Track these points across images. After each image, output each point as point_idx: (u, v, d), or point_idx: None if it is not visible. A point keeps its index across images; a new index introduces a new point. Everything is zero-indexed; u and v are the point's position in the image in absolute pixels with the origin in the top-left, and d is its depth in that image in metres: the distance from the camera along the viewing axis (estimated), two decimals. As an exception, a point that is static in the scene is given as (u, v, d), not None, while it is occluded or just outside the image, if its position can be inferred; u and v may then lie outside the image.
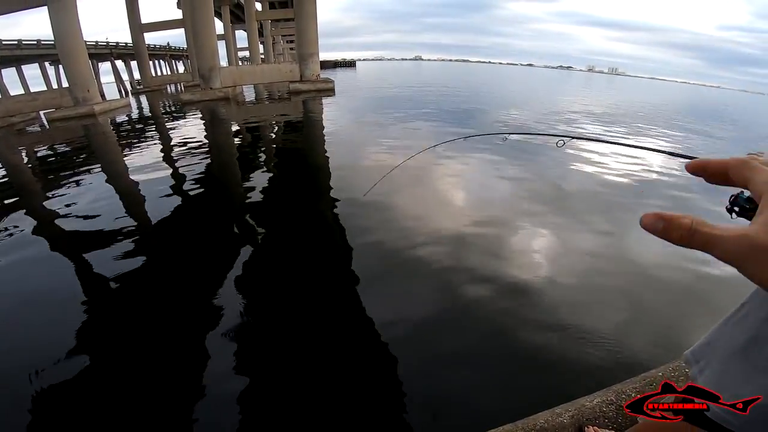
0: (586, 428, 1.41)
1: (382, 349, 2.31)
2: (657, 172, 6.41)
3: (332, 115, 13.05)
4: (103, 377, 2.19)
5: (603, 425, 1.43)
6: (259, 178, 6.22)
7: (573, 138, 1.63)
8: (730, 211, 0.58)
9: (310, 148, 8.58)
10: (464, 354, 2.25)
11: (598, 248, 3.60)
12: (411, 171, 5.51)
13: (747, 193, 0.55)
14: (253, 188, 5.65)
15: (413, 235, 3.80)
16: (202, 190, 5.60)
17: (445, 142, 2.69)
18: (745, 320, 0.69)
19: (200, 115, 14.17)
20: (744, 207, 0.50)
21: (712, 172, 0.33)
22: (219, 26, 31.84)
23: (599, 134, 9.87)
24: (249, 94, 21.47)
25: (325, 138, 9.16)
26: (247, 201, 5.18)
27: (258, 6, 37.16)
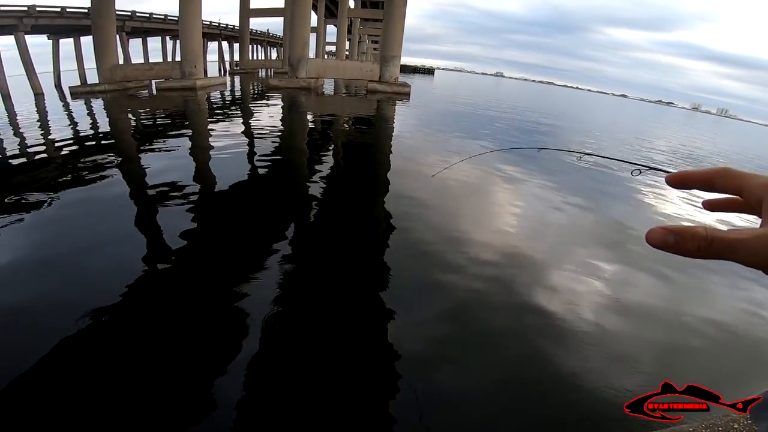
0: None
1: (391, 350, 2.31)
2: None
3: (403, 119, 13.26)
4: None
5: None
6: (323, 167, 6.55)
7: (651, 168, 1.51)
8: None
9: (375, 146, 8.82)
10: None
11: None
12: (466, 179, 5.44)
13: None
14: (316, 172, 6.02)
15: (454, 243, 3.81)
16: (268, 168, 6.10)
17: (516, 149, 2.56)
18: None
19: (281, 101, 15.22)
20: None
21: (695, 184, 0.34)
22: (314, 19, 33.94)
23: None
24: (329, 87, 22.56)
25: (392, 140, 9.34)
26: (307, 186, 5.51)
27: (351, 3, 38.88)
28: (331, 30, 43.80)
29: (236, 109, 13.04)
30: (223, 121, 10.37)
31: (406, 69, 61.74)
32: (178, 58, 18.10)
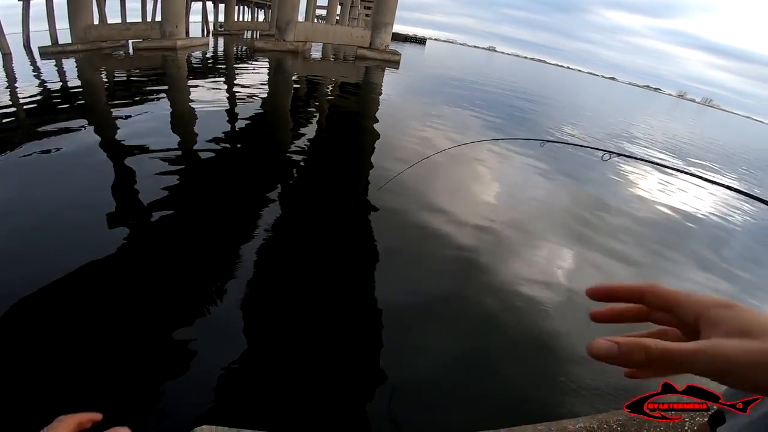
0: None
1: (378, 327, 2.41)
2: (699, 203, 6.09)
3: (391, 86, 13.21)
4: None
5: None
6: (308, 130, 6.64)
7: (620, 155, 1.57)
8: None
9: (361, 112, 8.89)
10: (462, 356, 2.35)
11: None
12: (449, 160, 5.60)
13: None
14: (300, 136, 6.08)
15: (435, 217, 3.96)
16: (251, 129, 6.08)
17: (492, 140, 2.70)
18: None
19: (267, 64, 14.83)
20: None
21: (621, 297, 0.33)
22: None
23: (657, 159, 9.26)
24: (316, 52, 21.93)
25: (379, 107, 9.40)
26: (290, 148, 5.54)
27: None
28: None
29: (219, 71, 12.69)
30: (205, 82, 10.01)
31: (398, 37, 59.83)
32: (158, 19, 17.17)
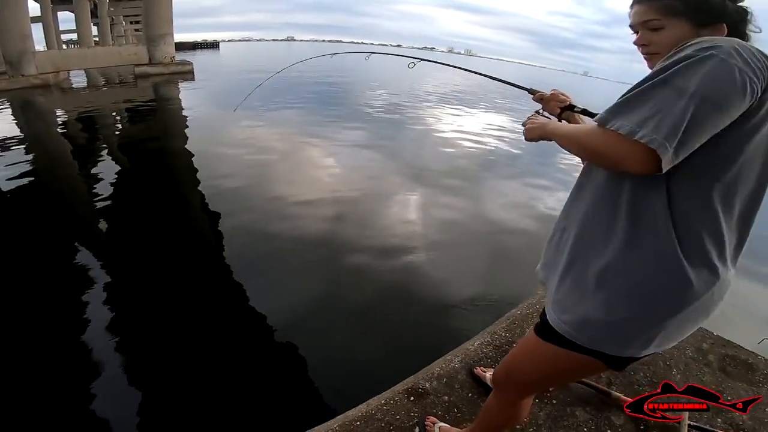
0: (474, 370, 1.51)
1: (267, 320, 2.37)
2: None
3: (192, 99, 11.78)
4: None
5: (487, 365, 1.57)
6: (106, 172, 5.29)
7: (423, 60, 1.60)
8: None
9: (166, 135, 7.66)
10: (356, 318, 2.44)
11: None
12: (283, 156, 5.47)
13: (540, 113, 0.99)
14: (99, 181, 4.84)
15: (281, 205, 3.90)
16: (25, 193, 4.51)
17: (311, 59, 2.61)
18: (562, 242, 0.79)
19: (9, 107, 11.12)
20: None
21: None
22: (35, 8, 25.08)
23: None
24: (80, 80, 17.58)
25: (187, 123, 8.29)
26: (92, 198, 4.38)
27: None
28: (68, 16, 33.52)
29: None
30: None
31: (185, 46, 53.29)
32: None
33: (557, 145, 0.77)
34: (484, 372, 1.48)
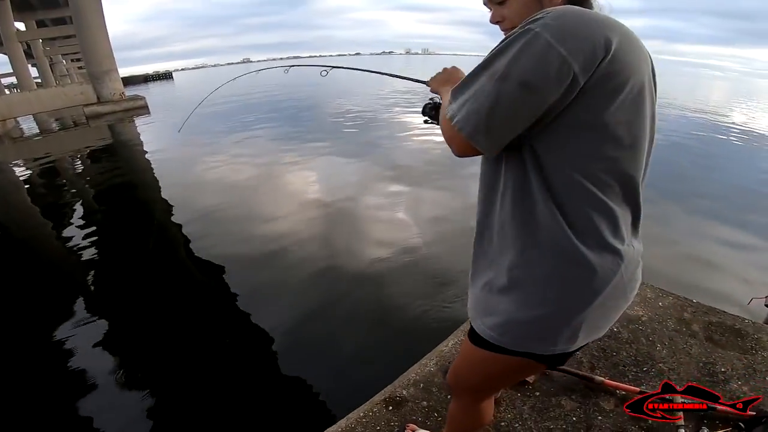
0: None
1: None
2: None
3: (152, 134, 11.49)
4: None
5: None
6: (79, 227, 4.86)
7: (335, 67, 1.58)
8: (425, 114, 0.94)
9: (132, 175, 7.43)
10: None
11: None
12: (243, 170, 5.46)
13: (437, 100, 0.91)
14: (70, 238, 4.49)
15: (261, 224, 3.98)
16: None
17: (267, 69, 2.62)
18: (477, 244, 0.78)
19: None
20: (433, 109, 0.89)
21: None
22: None
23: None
24: (28, 126, 16.74)
25: (150, 160, 8.09)
26: (71, 254, 4.13)
27: (21, 26, 29.38)
28: (2, 59, 31.92)
29: None
30: None
31: (136, 80, 51.81)
32: None
33: None
34: None
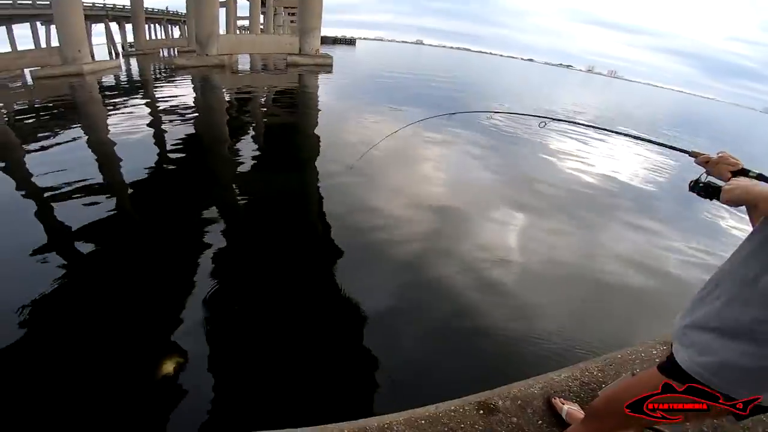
0: (553, 399, 1.51)
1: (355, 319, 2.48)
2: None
3: (328, 90, 13.15)
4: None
5: (567, 398, 1.55)
6: (248, 144, 6.44)
7: (554, 120, 1.60)
8: (693, 190, 0.94)
9: (301, 119, 8.78)
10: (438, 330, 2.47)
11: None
12: (394, 146, 5.79)
13: (704, 178, 0.94)
14: (239, 152, 5.87)
15: (388, 208, 4.08)
16: (184, 154, 5.66)
17: (432, 117, 2.80)
18: (713, 295, 0.82)
19: (191, 81, 14.05)
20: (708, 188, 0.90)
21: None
22: None
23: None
24: (244, 63, 21.13)
25: (318, 112, 9.34)
26: (234, 166, 5.33)
27: None
28: (243, 4, 40.37)
29: (139, 92, 11.77)
30: (124, 105, 9.13)
31: (327, 40, 59.42)
32: (55, 44, 15.50)
33: (746, 210, 0.80)
34: (563, 404, 1.46)
